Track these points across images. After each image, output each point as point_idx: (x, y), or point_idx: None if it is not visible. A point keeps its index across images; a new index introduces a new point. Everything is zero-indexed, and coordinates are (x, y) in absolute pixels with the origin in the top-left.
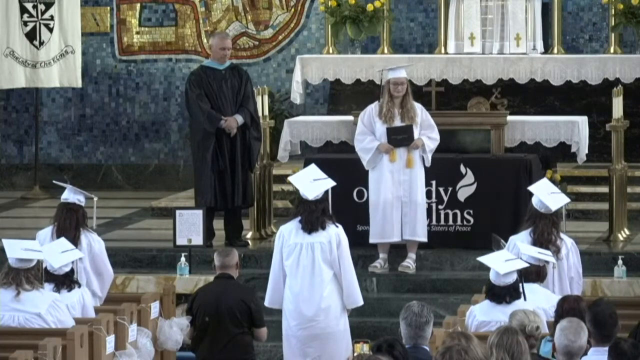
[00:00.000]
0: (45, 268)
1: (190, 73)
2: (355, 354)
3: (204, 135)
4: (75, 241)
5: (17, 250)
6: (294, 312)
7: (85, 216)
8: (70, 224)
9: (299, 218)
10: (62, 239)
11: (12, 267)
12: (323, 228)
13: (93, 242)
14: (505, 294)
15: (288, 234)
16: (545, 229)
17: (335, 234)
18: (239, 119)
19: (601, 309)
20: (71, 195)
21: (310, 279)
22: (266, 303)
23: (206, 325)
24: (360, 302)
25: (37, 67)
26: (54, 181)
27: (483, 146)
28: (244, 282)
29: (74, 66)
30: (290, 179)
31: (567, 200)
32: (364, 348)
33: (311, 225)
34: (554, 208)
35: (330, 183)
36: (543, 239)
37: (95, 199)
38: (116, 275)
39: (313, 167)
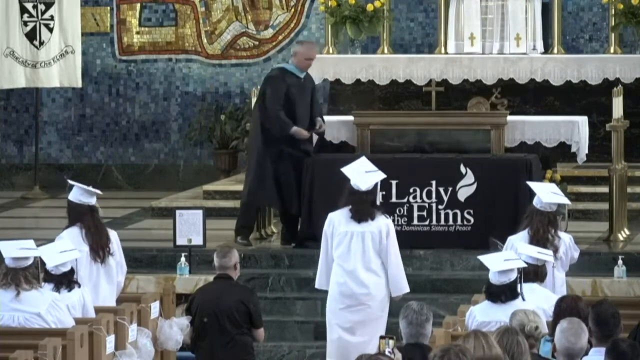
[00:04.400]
0: (46, 269)
1: (270, 75)
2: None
3: (274, 139)
4: (108, 241)
5: (12, 249)
6: (341, 296)
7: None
8: (102, 226)
9: (348, 207)
10: (67, 240)
11: (9, 267)
12: (372, 218)
13: (113, 235)
14: (500, 293)
15: (338, 222)
16: (540, 226)
17: (384, 224)
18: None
19: (604, 309)
20: (93, 198)
21: (360, 265)
22: (316, 285)
23: (205, 326)
24: (407, 290)
25: (37, 67)
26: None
27: (483, 146)
28: (244, 282)
29: (74, 66)
30: (342, 169)
31: (565, 201)
32: (390, 343)
33: (360, 215)
34: (545, 200)
35: (380, 175)
36: (539, 236)
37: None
38: None
39: (364, 160)
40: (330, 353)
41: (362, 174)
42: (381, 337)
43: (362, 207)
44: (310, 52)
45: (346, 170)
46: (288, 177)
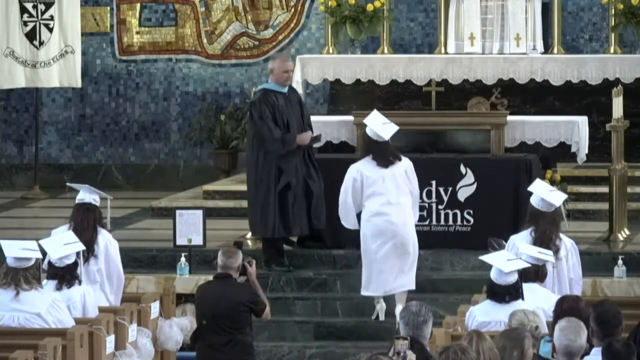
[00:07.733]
0: (49, 261)
1: (252, 102)
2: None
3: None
4: (92, 242)
5: (14, 249)
6: (377, 232)
7: (101, 215)
8: (87, 225)
9: (370, 156)
10: (70, 232)
11: (10, 267)
12: (399, 159)
13: (109, 244)
14: (505, 293)
15: (366, 169)
16: (547, 227)
17: (408, 165)
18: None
19: (605, 309)
20: (87, 195)
21: (395, 201)
22: (343, 222)
23: (204, 326)
24: (417, 217)
25: (37, 67)
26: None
27: (483, 146)
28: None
29: (73, 66)
30: (364, 121)
31: (565, 196)
32: (396, 344)
33: (387, 161)
34: (557, 203)
35: (395, 126)
36: (545, 238)
37: (110, 198)
38: None
39: (376, 113)
40: (367, 285)
41: (381, 125)
42: (396, 338)
43: (386, 153)
44: (285, 64)
45: (367, 121)
46: (304, 196)
